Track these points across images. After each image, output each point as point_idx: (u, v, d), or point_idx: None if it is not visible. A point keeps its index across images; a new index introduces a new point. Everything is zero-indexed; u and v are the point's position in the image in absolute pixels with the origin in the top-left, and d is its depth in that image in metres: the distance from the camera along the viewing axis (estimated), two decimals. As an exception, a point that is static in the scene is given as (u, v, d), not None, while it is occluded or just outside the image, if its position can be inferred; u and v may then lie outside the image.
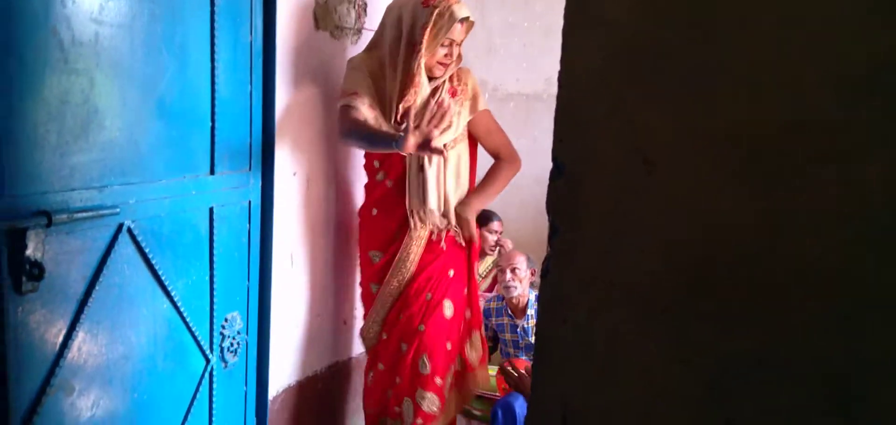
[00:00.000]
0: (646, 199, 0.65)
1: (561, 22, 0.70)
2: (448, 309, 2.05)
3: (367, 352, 2.19)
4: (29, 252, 1.26)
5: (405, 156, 1.94)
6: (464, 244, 2.08)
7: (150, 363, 1.61)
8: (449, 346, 2.06)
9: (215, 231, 1.75)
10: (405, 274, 2.02)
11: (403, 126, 1.74)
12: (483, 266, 2.98)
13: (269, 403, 2.03)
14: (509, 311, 2.61)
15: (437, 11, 1.83)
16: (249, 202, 1.88)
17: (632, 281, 0.67)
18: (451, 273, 2.06)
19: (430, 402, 2.05)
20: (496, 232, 2.95)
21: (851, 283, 0.56)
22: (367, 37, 2.20)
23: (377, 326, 2.10)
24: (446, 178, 1.98)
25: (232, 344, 1.88)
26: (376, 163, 2.04)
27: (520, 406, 2.30)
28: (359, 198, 2.31)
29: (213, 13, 1.64)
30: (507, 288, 2.54)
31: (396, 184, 2.00)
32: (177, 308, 1.66)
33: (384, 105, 1.94)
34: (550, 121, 0.73)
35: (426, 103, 1.94)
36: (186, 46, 1.59)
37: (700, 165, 0.62)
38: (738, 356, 0.62)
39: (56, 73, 1.29)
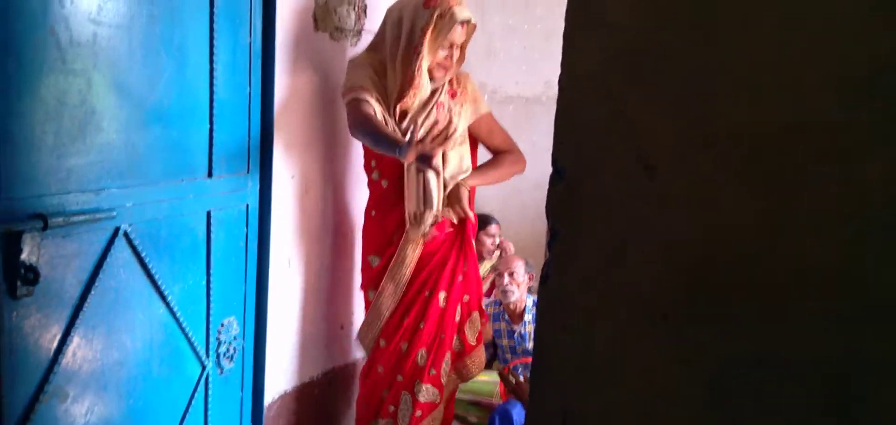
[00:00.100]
0: (647, 203, 0.65)
1: (561, 25, 0.69)
2: (442, 299, 2.04)
3: (366, 355, 2.18)
4: (24, 256, 1.25)
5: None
6: (456, 221, 2.02)
7: (145, 369, 1.60)
8: (443, 336, 2.05)
9: (212, 235, 1.74)
10: (401, 279, 2.01)
11: (408, 135, 1.72)
12: (482, 270, 2.98)
13: (265, 410, 2.02)
14: (506, 317, 2.60)
15: (437, 13, 1.83)
16: (247, 205, 1.87)
17: (632, 285, 0.67)
18: (449, 264, 2.04)
19: (428, 393, 2.04)
20: (494, 235, 2.95)
21: (852, 284, 0.56)
22: (366, 38, 2.19)
23: (374, 335, 2.08)
24: (446, 181, 1.97)
25: (228, 350, 1.87)
26: (373, 163, 2.04)
27: (517, 413, 2.29)
28: (357, 201, 2.30)
29: (212, 14, 1.64)
30: (505, 292, 2.53)
31: (393, 185, 2.00)
32: (173, 313, 1.65)
33: (386, 105, 1.94)
34: (550, 124, 0.72)
35: (425, 105, 1.94)
36: (185, 48, 1.58)
37: (701, 168, 0.62)
38: (738, 358, 0.62)
39: (53, 74, 1.29)
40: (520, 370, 2.49)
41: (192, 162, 1.67)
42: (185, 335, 1.70)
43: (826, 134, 0.56)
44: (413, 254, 1.99)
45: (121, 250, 1.48)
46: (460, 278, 2.06)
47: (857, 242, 0.55)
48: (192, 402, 1.76)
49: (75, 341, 1.40)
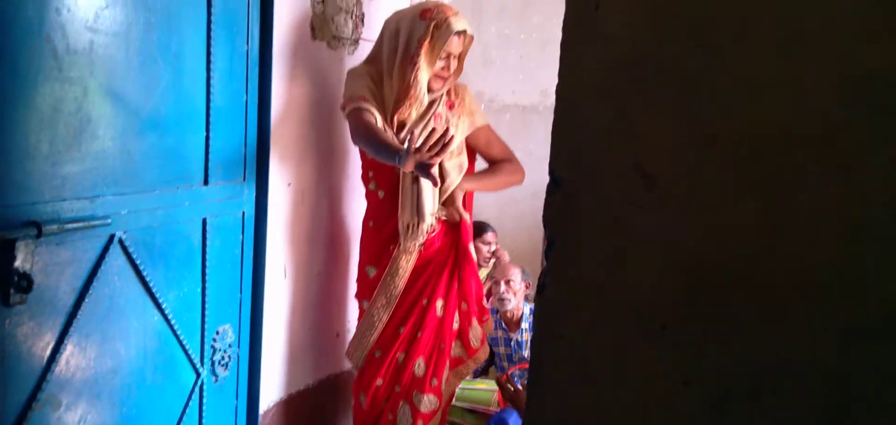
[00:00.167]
0: (645, 211, 0.65)
1: (558, 34, 0.69)
2: (440, 308, 2.03)
3: (354, 371, 2.15)
4: (18, 263, 1.24)
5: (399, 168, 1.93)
6: (449, 221, 2.01)
7: (139, 377, 1.59)
8: (443, 346, 2.04)
9: (208, 242, 1.74)
10: (394, 290, 2.00)
11: (405, 143, 1.72)
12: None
13: (260, 418, 2.00)
14: (503, 325, 2.59)
15: (433, 23, 1.83)
16: (243, 213, 1.87)
17: (630, 295, 0.67)
18: (445, 271, 2.03)
19: (429, 402, 2.03)
20: (490, 243, 2.94)
21: (852, 285, 0.56)
22: (363, 47, 2.20)
23: (365, 348, 2.06)
24: (443, 192, 1.97)
25: (223, 358, 1.85)
26: (370, 174, 2.03)
27: (514, 421, 2.28)
28: (353, 210, 2.30)
29: (209, 22, 1.64)
30: (502, 300, 2.53)
31: (389, 195, 1.99)
32: (167, 320, 1.64)
33: (384, 116, 1.94)
34: (546, 132, 0.72)
35: (423, 116, 1.94)
36: (182, 55, 1.58)
37: (700, 172, 0.62)
38: (739, 367, 0.61)
39: (49, 82, 1.28)
40: (517, 376, 2.49)
41: (188, 169, 1.66)
42: (180, 343, 1.69)
43: (826, 134, 0.56)
44: (407, 265, 1.98)
45: (115, 258, 1.47)
46: (457, 285, 2.05)
47: (858, 243, 0.55)
48: (187, 410, 1.75)
49: (69, 349, 1.39)
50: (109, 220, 1.42)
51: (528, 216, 3.02)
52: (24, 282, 1.25)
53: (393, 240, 1.99)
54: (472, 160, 2.09)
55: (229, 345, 1.87)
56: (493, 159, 2.09)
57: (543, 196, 0.72)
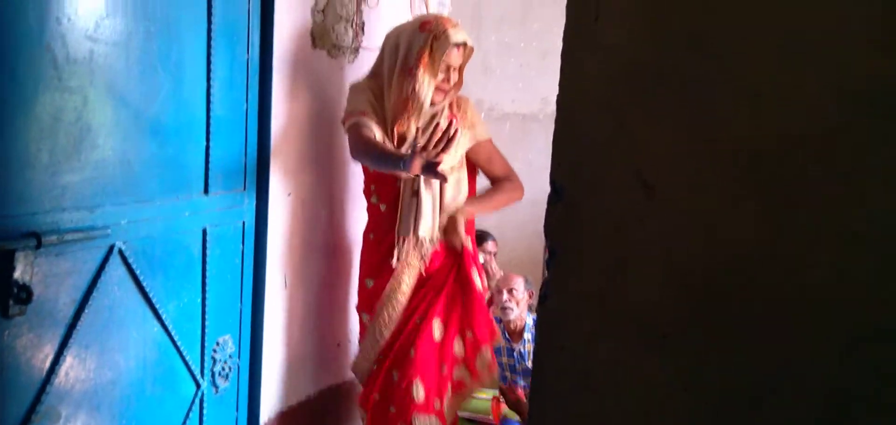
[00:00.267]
0: (646, 221, 0.65)
1: (558, 43, 0.69)
2: (437, 329, 2.00)
3: (361, 385, 2.14)
4: (17, 274, 1.24)
5: (399, 181, 1.92)
6: (456, 247, 1.98)
7: (138, 388, 1.58)
8: (444, 370, 2.01)
9: (208, 252, 1.73)
10: (397, 306, 1.98)
11: (407, 146, 1.71)
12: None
13: (261, 428, 1.99)
14: (506, 334, 2.58)
15: (432, 35, 1.84)
16: (243, 223, 1.86)
17: (632, 306, 0.66)
18: (444, 291, 2.01)
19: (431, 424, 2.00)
20: (490, 252, 2.94)
21: (853, 299, 0.56)
22: (364, 56, 2.20)
23: (369, 362, 2.05)
24: (443, 205, 1.96)
25: (223, 369, 1.85)
26: (372, 187, 2.03)
27: (516, 431, 2.27)
28: (354, 219, 2.30)
29: (210, 31, 1.64)
30: (504, 310, 2.51)
31: (390, 208, 1.98)
32: (167, 331, 1.64)
33: (385, 129, 1.94)
34: (546, 141, 0.72)
35: (424, 130, 1.93)
36: (182, 64, 1.59)
37: (701, 181, 0.62)
38: (740, 375, 0.61)
39: (49, 91, 1.28)
40: (520, 383, 2.47)
41: (188, 179, 1.66)
42: (180, 353, 1.69)
43: (825, 142, 0.56)
44: (409, 281, 1.97)
45: (115, 268, 1.46)
46: (460, 310, 2.02)
47: (857, 249, 0.55)
48: (187, 422, 1.74)
49: (68, 360, 1.39)
50: (109, 231, 1.42)
51: (528, 225, 3.01)
52: (24, 294, 1.25)
53: (393, 253, 1.98)
54: (473, 174, 2.08)
55: (230, 356, 1.86)
56: (493, 176, 2.07)
57: (543, 205, 0.72)
